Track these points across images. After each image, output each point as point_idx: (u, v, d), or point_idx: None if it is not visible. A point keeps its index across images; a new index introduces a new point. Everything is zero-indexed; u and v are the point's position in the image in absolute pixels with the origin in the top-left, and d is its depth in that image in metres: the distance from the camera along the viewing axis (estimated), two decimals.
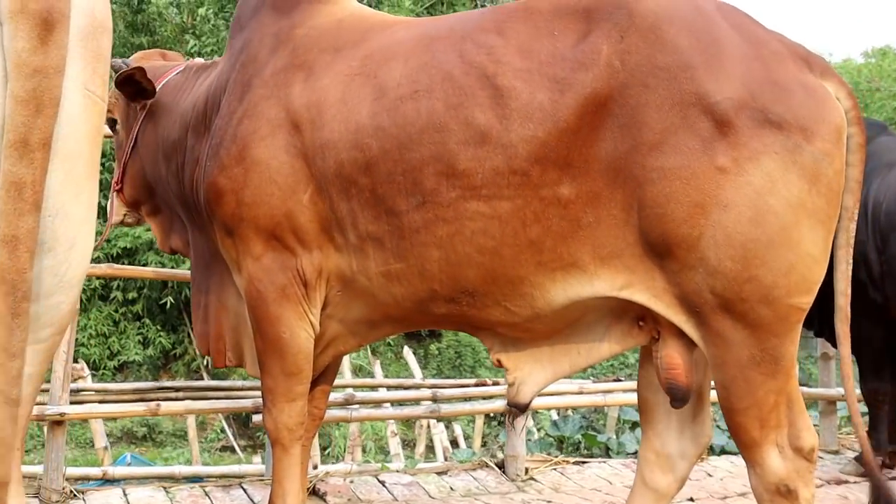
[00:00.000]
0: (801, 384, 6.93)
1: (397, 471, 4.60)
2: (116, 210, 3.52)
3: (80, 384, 7.40)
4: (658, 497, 2.77)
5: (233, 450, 11.62)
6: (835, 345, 5.16)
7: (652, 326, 2.51)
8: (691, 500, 4.27)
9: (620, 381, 6.98)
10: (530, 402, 2.68)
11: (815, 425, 6.44)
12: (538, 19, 2.45)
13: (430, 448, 9.94)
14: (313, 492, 4.15)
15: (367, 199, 2.53)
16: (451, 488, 4.30)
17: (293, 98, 2.68)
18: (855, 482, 4.77)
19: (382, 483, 4.32)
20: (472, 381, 7.73)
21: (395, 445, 8.79)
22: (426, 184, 2.43)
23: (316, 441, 4.45)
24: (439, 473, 4.55)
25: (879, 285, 4.56)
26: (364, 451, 9.75)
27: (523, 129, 2.33)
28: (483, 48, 2.44)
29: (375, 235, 2.55)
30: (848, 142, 2.40)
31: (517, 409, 2.69)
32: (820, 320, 5.01)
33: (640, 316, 2.51)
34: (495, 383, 5.97)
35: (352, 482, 4.30)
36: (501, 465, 4.65)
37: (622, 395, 5.39)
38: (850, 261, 2.52)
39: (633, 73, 2.29)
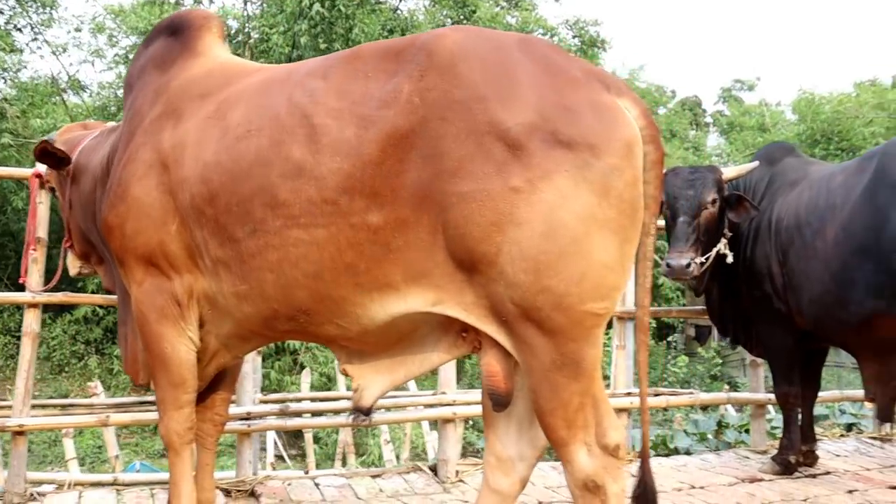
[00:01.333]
0: (733, 389, 6.87)
1: (335, 474, 4.69)
2: (72, 263, 3.89)
3: (93, 399, 7.68)
4: (502, 499, 2.89)
5: (283, 459, 11.82)
6: (750, 351, 5.26)
7: (474, 337, 2.65)
8: None
9: None
10: (372, 405, 2.82)
11: (745, 427, 6.53)
12: (359, 63, 2.61)
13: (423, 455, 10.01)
14: (251, 494, 4.30)
15: (213, 227, 2.72)
16: (381, 490, 4.44)
17: (163, 141, 2.89)
18: (770, 479, 4.81)
19: (317, 485, 4.45)
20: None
21: (388, 452, 8.90)
22: (256, 213, 2.60)
23: (255, 447, 4.58)
24: (374, 476, 4.68)
25: (783, 296, 4.63)
26: (358, 455, 9.90)
27: (332, 163, 2.49)
28: (307, 91, 2.62)
29: (223, 260, 2.74)
30: (644, 159, 2.51)
31: (361, 412, 2.81)
32: (735, 329, 5.09)
33: (463, 328, 2.64)
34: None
35: (289, 485, 4.44)
36: (434, 469, 4.74)
37: None
38: (650, 274, 2.60)
39: (431, 108, 2.42)
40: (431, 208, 2.42)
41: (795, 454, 4.94)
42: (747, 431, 6.70)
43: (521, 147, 2.33)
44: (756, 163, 4.95)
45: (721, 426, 7.83)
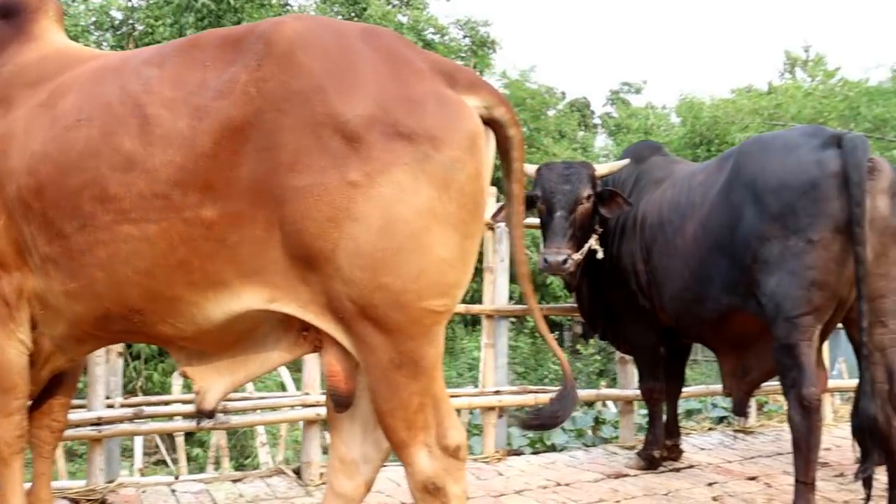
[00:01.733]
0: (614, 385, 6.92)
1: (193, 479, 4.50)
2: None
3: None
4: (346, 502, 2.77)
5: (166, 463, 11.38)
6: (618, 348, 5.30)
7: (315, 336, 2.55)
8: (466, 499, 4.25)
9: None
10: (215, 407, 2.67)
11: (615, 423, 6.57)
12: (196, 52, 2.48)
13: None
14: (101, 503, 4.06)
15: (41, 222, 2.54)
16: (241, 495, 4.29)
17: None
18: (634, 475, 4.85)
19: (174, 492, 4.27)
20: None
21: (263, 455, 8.67)
22: (85, 208, 2.44)
23: (115, 452, 4.37)
24: (235, 481, 4.51)
25: (647, 293, 4.67)
26: (244, 458, 9.63)
27: (164, 155, 2.34)
28: (142, 79, 2.47)
29: (52, 257, 2.55)
30: (511, 141, 2.55)
31: (204, 415, 2.67)
32: (603, 326, 5.12)
33: (305, 326, 2.53)
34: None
35: (144, 492, 4.25)
36: (298, 471, 4.60)
37: None
38: (522, 237, 2.68)
39: (268, 99, 2.31)
40: (267, 203, 2.31)
41: (660, 449, 5.01)
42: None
43: (359, 140, 2.24)
44: (626, 160, 5.00)
45: (598, 422, 7.92)
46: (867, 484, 3.60)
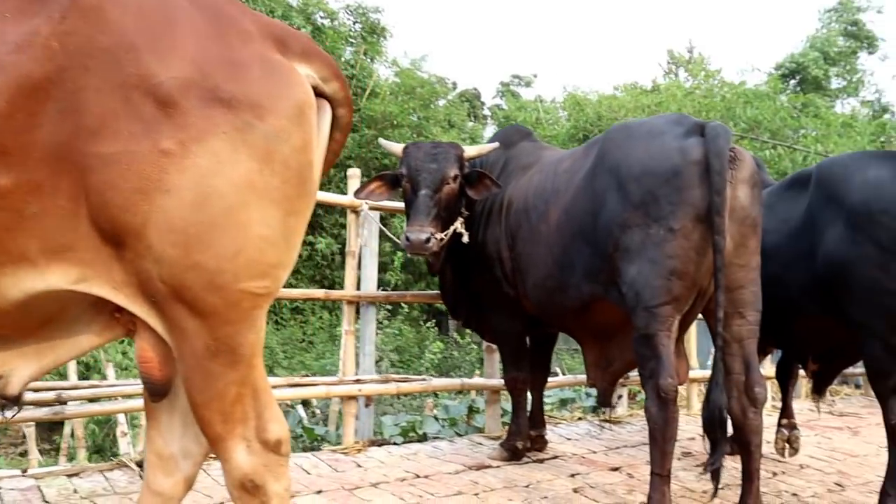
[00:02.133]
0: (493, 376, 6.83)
1: (21, 475, 4.13)
2: None
3: None
4: (164, 501, 2.51)
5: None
6: (482, 336, 5.18)
7: (128, 319, 2.27)
8: (319, 492, 4.05)
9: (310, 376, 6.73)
10: (20, 394, 2.37)
11: (480, 411, 6.45)
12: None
13: None
14: None
15: None
16: (75, 490, 3.96)
17: None
18: (497, 466, 4.73)
19: None
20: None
21: (125, 445, 8.23)
22: None
23: None
24: (70, 475, 4.16)
25: (511, 281, 4.55)
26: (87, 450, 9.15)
27: None
28: None
29: None
30: (339, 122, 2.41)
31: (7, 401, 2.37)
32: (467, 313, 4.98)
33: (118, 308, 2.24)
34: None
35: None
36: (142, 464, 4.27)
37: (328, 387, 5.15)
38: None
39: (73, 56, 2.04)
40: (72, 171, 2.03)
41: (523, 440, 4.90)
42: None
43: (173, 104, 2.00)
44: (496, 144, 4.87)
45: (472, 411, 7.82)
46: (715, 476, 3.55)
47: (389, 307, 12.53)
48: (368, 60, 20.85)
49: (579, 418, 6.44)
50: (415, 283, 16.92)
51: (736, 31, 56.78)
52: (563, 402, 9.00)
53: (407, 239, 4.39)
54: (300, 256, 17.77)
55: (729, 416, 3.73)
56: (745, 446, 3.73)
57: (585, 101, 19.28)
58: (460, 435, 6.47)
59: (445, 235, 4.52)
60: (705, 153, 3.56)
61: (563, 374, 11.44)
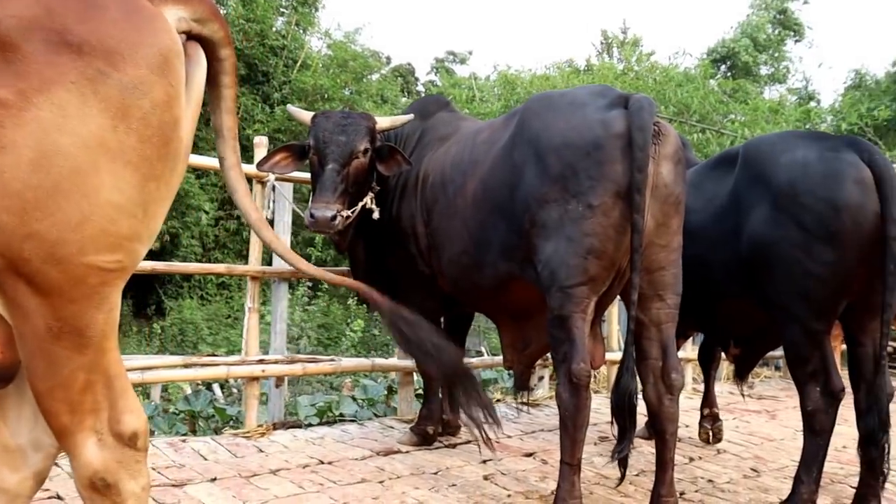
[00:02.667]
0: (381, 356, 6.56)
1: None
2: None
3: None
4: (11, 499, 2.21)
5: None
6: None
7: None
8: (214, 479, 3.77)
9: (216, 355, 6.42)
10: None
11: (417, 392, 6.23)
12: None
13: None
14: None
15: None
16: None
17: None
18: (406, 451, 4.51)
19: None
20: None
21: None
22: None
23: None
24: None
25: (426, 258, 4.32)
26: None
27: None
28: None
29: None
30: (223, 64, 2.21)
31: None
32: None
33: None
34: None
35: None
36: None
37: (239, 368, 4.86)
38: (242, 180, 2.27)
39: None
40: None
41: (434, 424, 4.70)
42: (419, 396, 6.49)
43: (13, 48, 1.71)
44: (410, 115, 4.62)
45: (391, 392, 7.59)
46: (623, 464, 3.38)
47: (310, 284, 12.20)
48: (300, 31, 20.36)
49: (497, 400, 6.25)
50: (344, 259, 16.62)
51: (669, 13, 57.11)
52: (486, 383, 8.82)
53: (311, 216, 4.11)
54: (226, 230, 17.41)
55: (645, 403, 3.58)
56: (660, 434, 3.56)
57: (517, 80, 19.08)
58: (378, 416, 6.24)
59: (353, 213, 4.26)
60: (628, 126, 3.35)
61: (488, 353, 11.28)
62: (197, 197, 15.59)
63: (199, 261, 15.51)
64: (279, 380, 5.15)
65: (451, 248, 4.09)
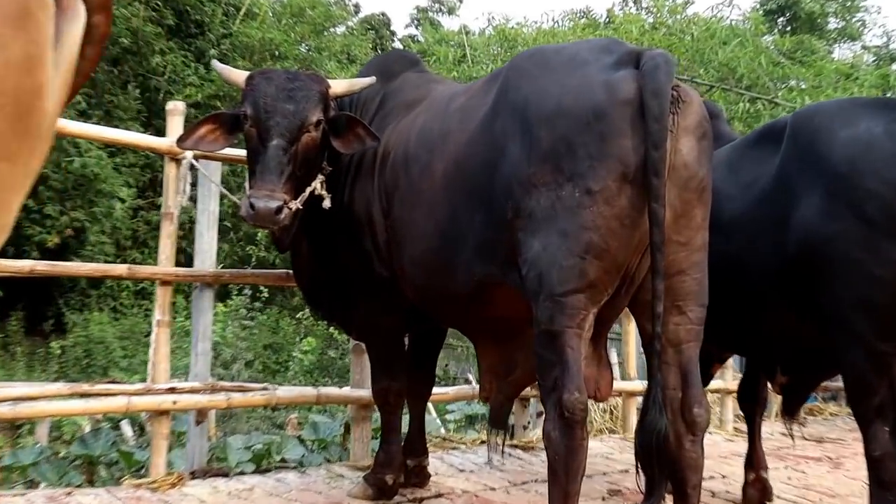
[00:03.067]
0: None
1: None
2: None
3: None
4: None
5: None
6: (349, 333, 4.93)
7: None
8: None
9: (118, 382, 6.37)
10: None
11: (348, 433, 6.21)
12: None
13: None
14: None
15: None
16: None
17: None
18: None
19: None
20: None
21: None
22: None
23: None
24: None
25: (386, 258, 4.29)
26: None
27: None
28: None
29: None
30: (94, 31, 2.01)
31: None
32: (329, 301, 4.75)
33: None
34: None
35: None
36: None
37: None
38: None
39: None
40: None
41: (395, 472, 4.66)
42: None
43: None
44: (372, 78, 4.57)
45: (349, 431, 7.56)
46: None
47: (250, 292, 12.16)
48: None
49: (481, 441, 6.22)
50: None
51: None
52: (471, 420, 8.81)
53: (251, 207, 3.97)
54: (147, 224, 17.34)
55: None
56: (680, 486, 3.52)
57: (518, 36, 19.08)
58: (331, 461, 6.22)
59: (301, 202, 4.20)
60: (639, 91, 3.32)
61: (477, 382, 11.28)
62: (110, 181, 15.50)
63: (113, 262, 15.39)
64: (200, 414, 5.11)
65: (414, 245, 4.05)
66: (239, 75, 4.43)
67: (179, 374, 12.15)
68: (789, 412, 5.11)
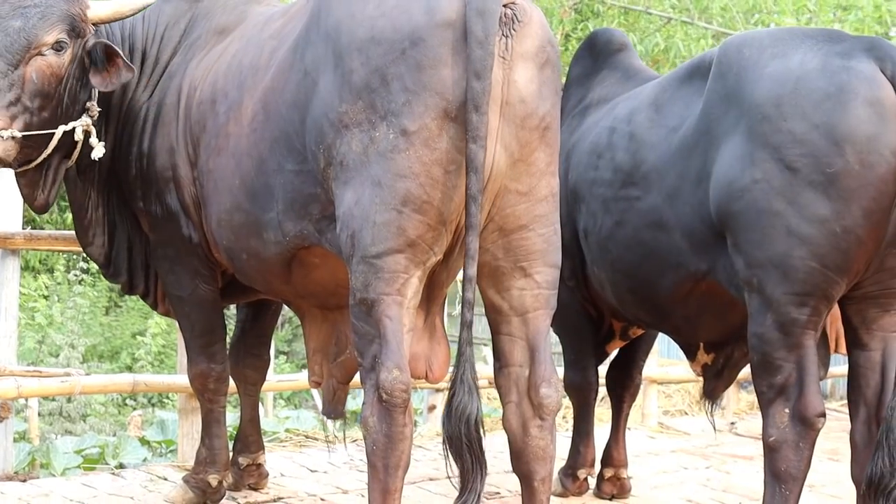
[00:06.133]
0: None
1: None
2: None
3: None
4: None
5: None
6: (154, 307, 5.01)
7: None
8: None
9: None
10: None
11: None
12: None
13: None
14: None
15: None
16: None
17: None
18: None
19: None
20: None
21: None
22: None
23: None
24: None
25: (195, 216, 4.45)
26: None
27: None
28: None
29: None
30: None
31: None
32: (130, 268, 4.74)
33: None
34: None
35: None
36: None
37: None
38: None
39: None
40: None
41: (220, 472, 4.71)
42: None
43: None
44: None
45: None
46: None
47: (85, 265, 12.03)
48: None
49: (354, 440, 6.28)
50: None
51: None
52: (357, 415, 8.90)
53: None
54: None
55: (505, 431, 3.62)
56: (527, 479, 3.60)
57: None
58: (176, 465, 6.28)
59: (47, 145, 4.22)
60: (464, 9, 3.36)
61: None
62: None
63: None
64: (3, 409, 5.13)
65: (220, 201, 4.09)
66: None
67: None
68: (711, 396, 5.19)
